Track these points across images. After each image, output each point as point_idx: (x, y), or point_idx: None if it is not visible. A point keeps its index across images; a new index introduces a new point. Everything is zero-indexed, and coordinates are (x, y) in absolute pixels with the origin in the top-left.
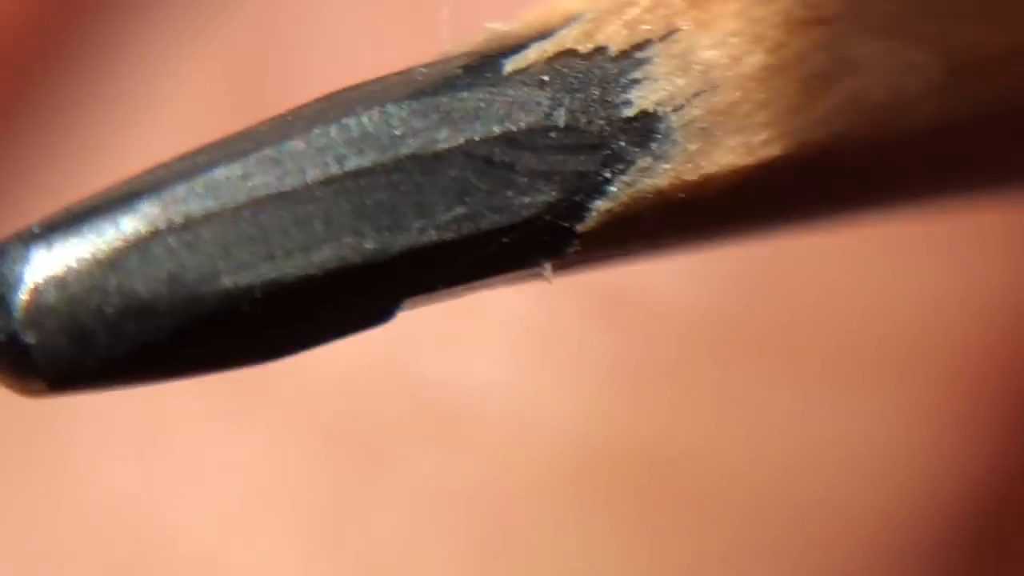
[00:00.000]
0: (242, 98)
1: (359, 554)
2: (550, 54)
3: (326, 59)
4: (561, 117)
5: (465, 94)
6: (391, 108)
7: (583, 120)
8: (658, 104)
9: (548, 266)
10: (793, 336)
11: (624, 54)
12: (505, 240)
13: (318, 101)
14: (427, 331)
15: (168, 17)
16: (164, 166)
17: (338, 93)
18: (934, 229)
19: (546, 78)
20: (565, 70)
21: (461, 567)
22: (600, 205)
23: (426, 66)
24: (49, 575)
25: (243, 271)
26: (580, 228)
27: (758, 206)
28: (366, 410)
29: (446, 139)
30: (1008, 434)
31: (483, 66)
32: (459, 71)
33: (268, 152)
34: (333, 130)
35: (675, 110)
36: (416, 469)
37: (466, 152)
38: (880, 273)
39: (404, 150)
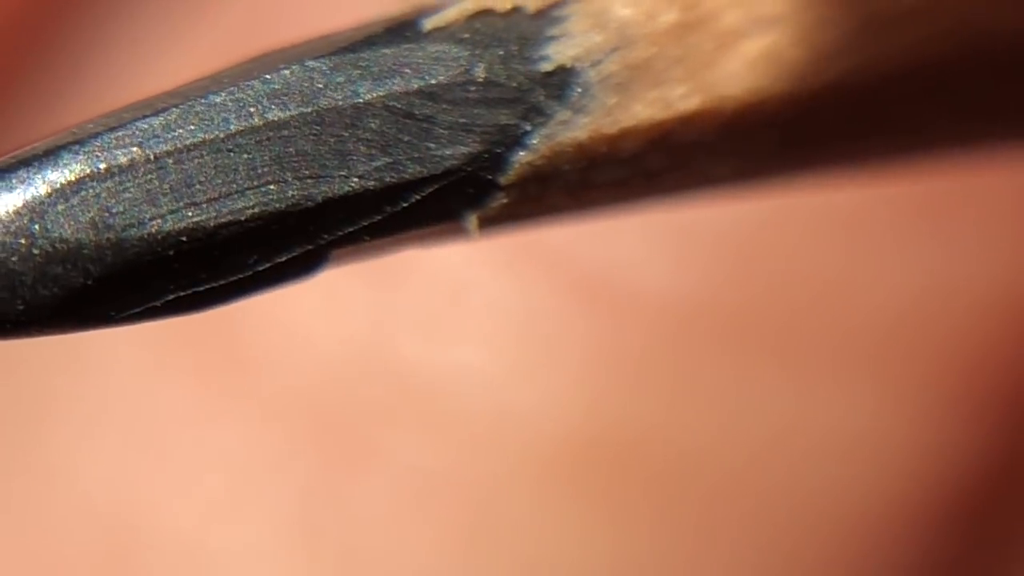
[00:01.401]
0: None
1: (341, 539)
2: (468, 13)
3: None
4: (480, 71)
5: (385, 50)
6: (312, 63)
7: (502, 74)
8: (575, 59)
9: (473, 219)
10: (771, 322)
11: (541, 12)
12: (428, 190)
13: (244, 61)
14: (407, 318)
15: (163, 7)
16: (90, 120)
17: (264, 54)
18: (929, 218)
19: (465, 35)
20: (483, 28)
21: (442, 552)
22: (521, 157)
23: (349, 28)
24: (35, 561)
25: (167, 217)
26: (502, 180)
27: (683, 163)
28: (347, 397)
29: (366, 92)
30: (987, 415)
31: (403, 26)
32: (380, 30)
33: (192, 105)
34: (256, 84)
35: (592, 65)
36: (397, 455)
37: (387, 105)
38: (861, 260)
39: (325, 102)
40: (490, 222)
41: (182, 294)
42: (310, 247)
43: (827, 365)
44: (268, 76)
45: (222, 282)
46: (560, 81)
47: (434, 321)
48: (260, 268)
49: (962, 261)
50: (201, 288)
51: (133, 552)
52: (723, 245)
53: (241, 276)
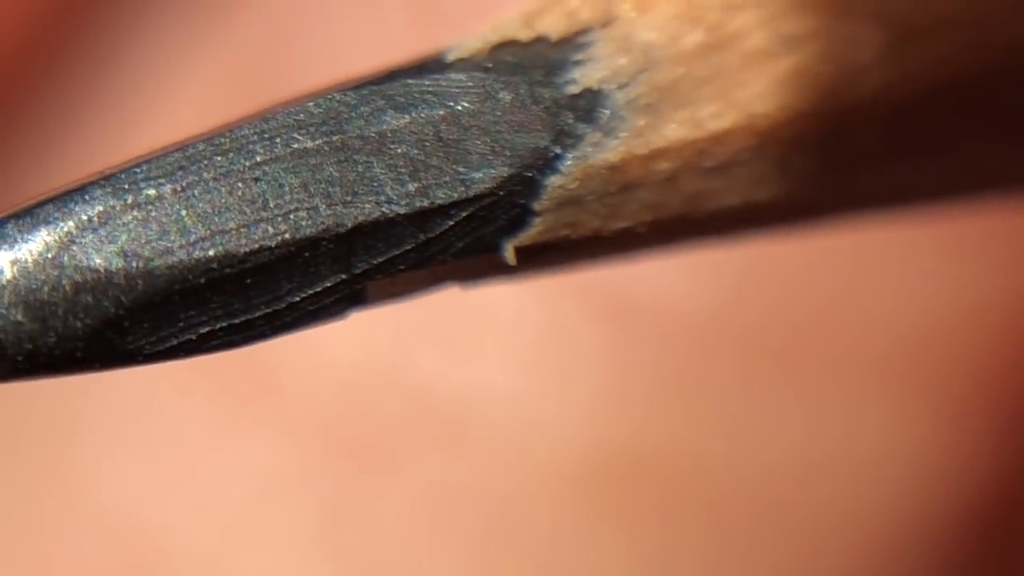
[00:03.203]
0: (248, 100)
1: (363, 556)
2: (492, 44)
3: (331, 61)
4: (505, 95)
5: (410, 81)
6: (337, 96)
7: (528, 98)
8: (602, 82)
9: (510, 248)
10: (796, 340)
11: (565, 40)
12: (460, 215)
13: (270, 104)
14: (429, 335)
15: (175, 19)
16: (120, 162)
17: (290, 96)
18: (936, 232)
19: (489, 64)
20: (507, 57)
21: (464, 567)
22: (554, 181)
23: (376, 69)
24: None
25: (197, 245)
26: (536, 206)
27: (722, 186)
28: (369, 414)
29: (392, 119)
30: (996, 427)
31: (428, 59)
32: (404, 66)
33: (217, 138)
34: (279, 116)
35: (619, 87)
36: (419, 472)
37: (413, 131)
38: (871, 276)
39: (351, 130)
40: (528, 255)
41: (218, 326)
42: (344, 276)
43: (839, 379)
44: (292, 109)
45: (258, 314)
46: (588, 104)
47: (455, 338)
48: (295, 299)
49: (969, 276)
50: (237, 320)
51: (155, 571)
52: (739, 261)
53: (277, 308)
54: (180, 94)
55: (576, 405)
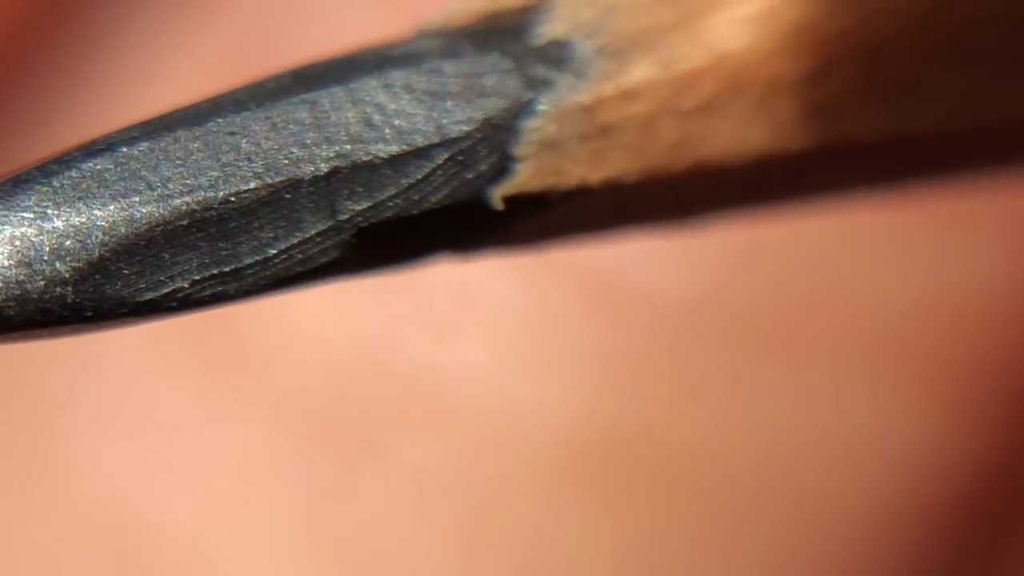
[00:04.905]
0: None
1: (348, 541)
2: (458, 16)
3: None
4: (475, 52)
5: (379, 49)
6: (308, 65)
7: (498, 53)
8: (568, 32)
9: (496, 196)
10: (772, 323)
11: (527, 7)
12: (439, 159)
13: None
14: (414, 320)
15: (165, 9)
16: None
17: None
18: (930, 216)
19: (455, 30)
20: (475, 24)
21: (449, 553)
22: (530, 124)
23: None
24: (43, 560)
25: (176, 191)
26: (516, 151)
27: (702, 131)
28: (354, 397)
29: (363, 77)
30: (984, 415)
31: (394, 40)
32: (374, 42)
33: (191, 105)
34: (253, 85)
35: (586, 36)
36: (404, 457)
37: (385, 85)
38: (861, 262)
39: (322, 88)
40: (518, 210)
41: (207, 274)
42: (330, 223)
43: (827, 365)
44: (261, 78)
45: (247, 261)
46: (556, 53)
47: (440, 322)
48: (283, 246)
49: (959, 262)
50: (226, 268)
51: (140, 552)
52: (726, 246)
53: (266, 255)
54: (169, 81)
55: (563, 390)
